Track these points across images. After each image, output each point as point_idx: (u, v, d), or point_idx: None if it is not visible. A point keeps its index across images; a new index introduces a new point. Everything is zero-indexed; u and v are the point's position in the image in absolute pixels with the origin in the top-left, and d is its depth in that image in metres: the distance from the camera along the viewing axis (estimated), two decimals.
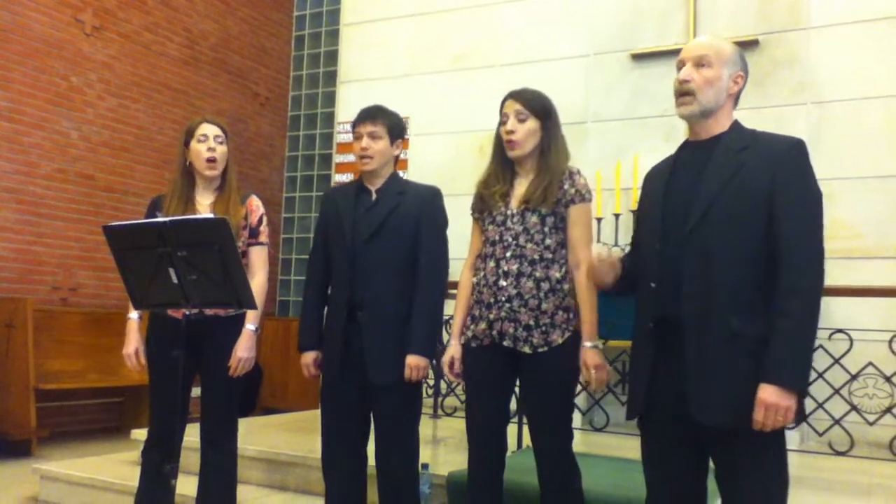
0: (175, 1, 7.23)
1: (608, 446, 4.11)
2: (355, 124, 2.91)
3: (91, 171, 6.48)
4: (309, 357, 2.95)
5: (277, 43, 8.41)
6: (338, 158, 6.93)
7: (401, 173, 3.07)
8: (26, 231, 5.99)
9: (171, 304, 2.57)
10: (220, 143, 3.00)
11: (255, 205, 3.06)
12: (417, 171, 5.95)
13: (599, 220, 5.46)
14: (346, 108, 6.64)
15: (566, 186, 2.60)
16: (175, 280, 2.43)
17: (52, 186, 6.17)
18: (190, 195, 3.00)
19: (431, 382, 4.93)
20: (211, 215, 2.64)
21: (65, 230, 6.27)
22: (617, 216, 5.49)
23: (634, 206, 4.78)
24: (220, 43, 7.71)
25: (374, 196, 2.89)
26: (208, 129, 3.00)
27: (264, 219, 3.08)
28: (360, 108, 2.93)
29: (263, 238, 3.06)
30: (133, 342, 2.97)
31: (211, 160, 2.96)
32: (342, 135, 6.75)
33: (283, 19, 8.49)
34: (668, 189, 2.13)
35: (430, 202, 2.89)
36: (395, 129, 2.90)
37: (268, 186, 8.26)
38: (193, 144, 2.98)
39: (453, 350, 2.72)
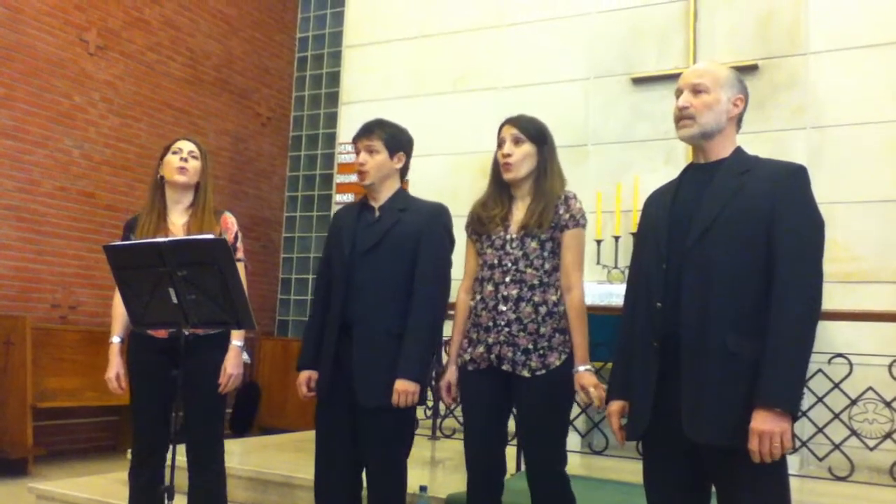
0: (179, 21, 7.29)
1: (608, 469, 4.08)
2: (355, 140, 2.86)
3: (92, 189, 6.50)
4: (303, 376, 2.87)
5: (280, 64, 8.46)
6: (339, 178, 6.96)
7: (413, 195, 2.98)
8: (27, 248, 6.00)
9: (171, 323, 2.57)
10: (195, 158, 3.00)
11: (230, 222, 3.04)
12: (418, 191, 5.85)
13: (599, 241, 5.47)
14: (348, 128, 6.65)
15: (561, 211, 2.62)
16: (174, 300, 2.43)
17: (53, 204, 6.19)
18: (162, 215, 2.99)
19: (430, 404, 4.91)
20: (210, 236, 2.64)
21: (65, 248, 6.27)
22: (617, 238, 5.50)
23: (635, 229, 4.79)
24: (222, 63, 7.76)
25: (376, 213, 2.82)
26: (183, 145, 3.01)
27: (240, 235, 3.06)
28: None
29: (240, 255, 3.02)
30: (115, 366, 2.97)
31: (181, 169, 2.95)
32: (343, 155, 6.78)
33: (286, 41, 8.56)
34: (672, 209, 2.14)
35: (432, 220, 2.79)
36: (393, 141, 2.82)
37: (268, 206, 8.28)
38: (167, 157, 3.00)
39: (450, 374, 2.72)
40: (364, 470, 2.78)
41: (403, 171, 2.91)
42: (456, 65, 6.38)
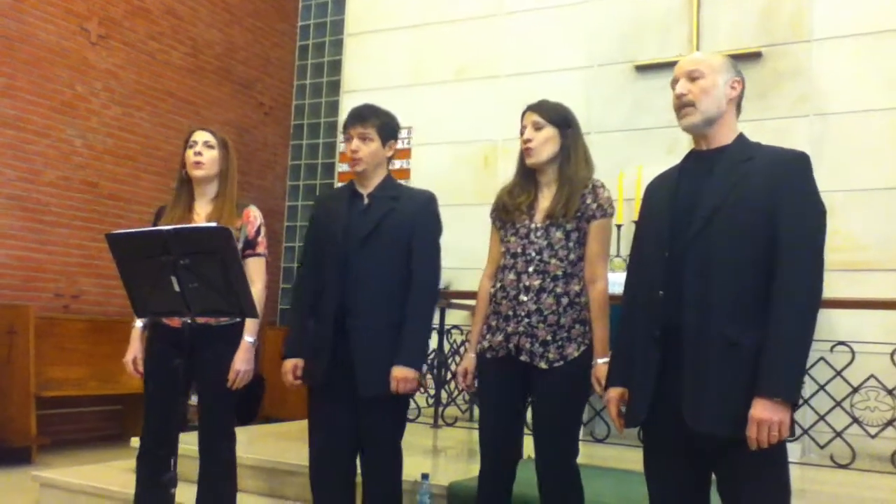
0: (180, 10, 7.27)
1: (609, 458, 4.09)
2: (346, 126, 2.85)
3: (95, 178, 6.50)
4: (288, 364, 2.87)
5: (281, 53, 8.44)
6: (341, 168, 6.95)
7: (402, 182, 3.02)
8: (29, 238, 6.01)
9: (173, 312, 2.57)
10: (210, 147, 3.00)
11: (253, 215, 3.04)
12: (419, 181, 5.94)
13: None
14: None
15: (588, 200, 2.60)
16: (177, 288, 2.43)
17: (55, 194, 6.19)
18: (188, 205, 3.02)
19: (432, 392, 4.92)
20: (213, 224, 2.64)
21: (68, 237, 6.28)
22: (619, 227, 5.49)
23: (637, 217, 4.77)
24: (224, 52, 7.74)
25: (366, 200, 2.82)
26: (198, 136, 3.02)
27: (262, 229, 3.05)
28: (350, 109, 2.88)
29: (261, 249, 3.03)
30: (133, 350, 3.00)
31: (197, 163, 2.97)
32: (345, 144, 6.78)
33: (288, 29, 8.53)
34: (674, 198, 2.13)
35: (424, 209, 2.82)
36: (386, 129, 2.83)
37: (270, 195, 8.28)
38: (186, 151, 3.02)
39: (468, 361, 2.72)
40: (362, 458, 2.79)
41: (390, 158, 2.94)
42: (457, 53, 6.36)
